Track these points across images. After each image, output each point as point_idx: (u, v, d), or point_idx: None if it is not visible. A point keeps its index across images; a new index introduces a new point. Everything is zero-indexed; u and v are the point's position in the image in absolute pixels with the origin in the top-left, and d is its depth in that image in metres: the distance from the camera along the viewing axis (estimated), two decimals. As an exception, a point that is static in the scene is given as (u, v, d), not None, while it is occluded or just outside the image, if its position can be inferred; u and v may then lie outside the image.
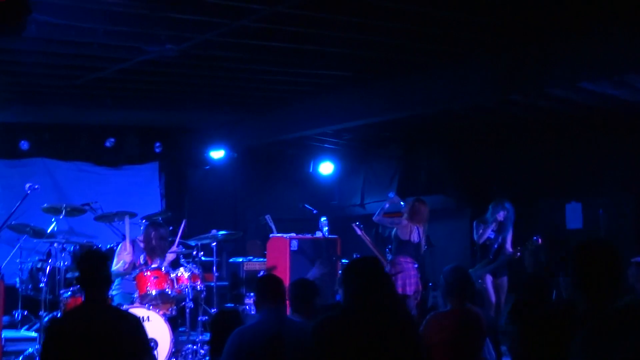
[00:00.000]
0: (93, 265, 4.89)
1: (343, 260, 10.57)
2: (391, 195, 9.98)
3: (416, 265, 9.44)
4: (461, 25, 7.26)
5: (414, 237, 9.42)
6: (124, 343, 4.70)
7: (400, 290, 9.20)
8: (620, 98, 8.57)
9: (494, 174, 10.77)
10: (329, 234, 10.59)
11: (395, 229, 9.49)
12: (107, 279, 4.92)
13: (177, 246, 9.45)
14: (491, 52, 8.08)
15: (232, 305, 10.50)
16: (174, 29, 7.22)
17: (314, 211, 10.80)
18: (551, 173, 10.59)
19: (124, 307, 7.79)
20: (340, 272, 9.98)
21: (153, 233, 8.88)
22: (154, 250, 8.89)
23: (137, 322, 4.89)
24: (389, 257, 9.76)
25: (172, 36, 7.43)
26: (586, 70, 7.61)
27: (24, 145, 11.43)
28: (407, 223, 9.42)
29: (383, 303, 4.26)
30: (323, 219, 10.63)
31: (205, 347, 8.67)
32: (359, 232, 10.11)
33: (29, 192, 7.48)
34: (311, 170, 13.50)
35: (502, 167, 10.70)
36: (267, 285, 5.35)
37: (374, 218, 9.75)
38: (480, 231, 9.42)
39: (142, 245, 8.99)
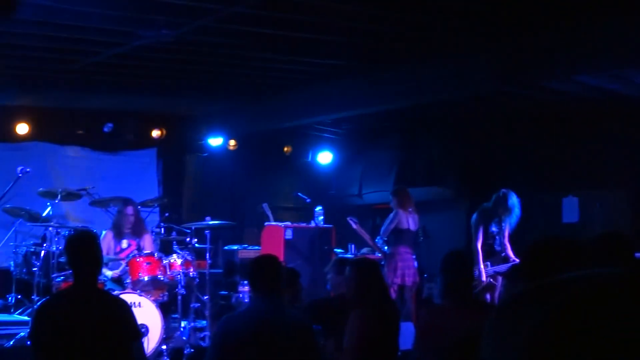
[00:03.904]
0: (82, 246, 4.73)
1: (337, 250, 10.55)
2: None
3: (414, 256, 9.43)
4: (459, 15, 7.20)
5: (411, 225, 9.42)
6: (113, 327, 4.63)
7: (399, 280, 9.20)
8: (618, 92, 8.54)
9: (491, 166, 10.72)
10: (324, 224, 10.56)
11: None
12: (97, 260, 4.75)
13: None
14: (489, 42, 8.00)
15: (226, 292, 10.50)
16: (169, 15, 7.15)
17: (307, 200, 10.77)
18: (548, 166, 10.54)
19: (116, 292, 7.78)
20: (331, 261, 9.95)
21: (133, 209, 9.27)
22: (136, 227, 9.26)
23: (126, 307, 4.84)
24: (386, 249, 9.73)
25: (168, 22, 7.35)
26: (583, 64, 7.56)
27: (21, 128, 11.37)
28: (401, 212, 9.42)
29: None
30: (318, 208, 10.59)
31: (197, 334, 8.68)
32: (354, 226, 10.04)
33: (20, 175, 7.47)
34: (310, 159, 13.47)
35: (498, 159, 10.65)
36: (259, 269, 5.02)
37: (383, 237, 9.68)
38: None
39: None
